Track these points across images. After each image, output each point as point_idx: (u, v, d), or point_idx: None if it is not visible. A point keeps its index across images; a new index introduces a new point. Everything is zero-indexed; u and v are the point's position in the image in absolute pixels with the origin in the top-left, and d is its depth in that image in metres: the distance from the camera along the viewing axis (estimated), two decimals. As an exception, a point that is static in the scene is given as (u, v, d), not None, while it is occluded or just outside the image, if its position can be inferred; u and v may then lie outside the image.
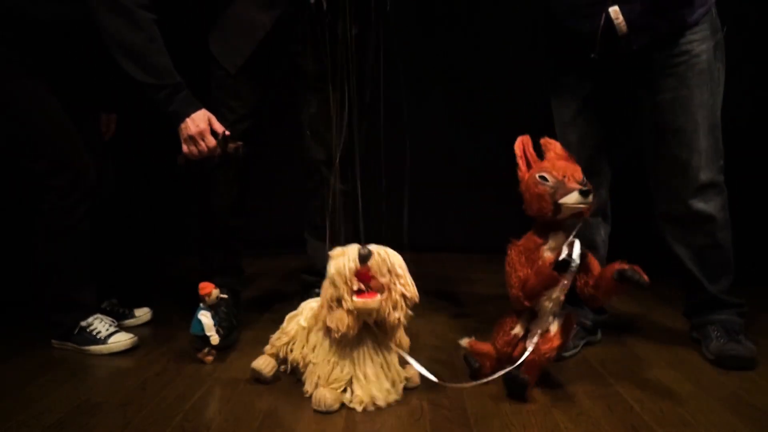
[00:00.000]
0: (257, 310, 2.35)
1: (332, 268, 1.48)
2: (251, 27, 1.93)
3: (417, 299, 1.53)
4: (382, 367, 1.53)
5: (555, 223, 1.57)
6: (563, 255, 1.50)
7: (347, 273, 1.46)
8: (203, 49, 1.99)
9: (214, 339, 1.79)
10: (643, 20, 1.71)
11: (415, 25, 3.13)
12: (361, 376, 1.51)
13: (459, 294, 2.59)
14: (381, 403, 1.50)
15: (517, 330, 1.60)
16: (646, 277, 1.45)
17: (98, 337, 1.91)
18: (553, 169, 1.55)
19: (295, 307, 1.73)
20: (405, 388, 1.59)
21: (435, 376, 1.58)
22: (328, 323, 1.49)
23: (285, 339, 1.66)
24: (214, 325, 1.80)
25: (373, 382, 1.51)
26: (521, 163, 1.64)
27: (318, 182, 2.13)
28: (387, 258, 1.49)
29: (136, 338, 1.96)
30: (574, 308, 1.71)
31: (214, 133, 1.87)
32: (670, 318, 2.18)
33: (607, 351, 1.89)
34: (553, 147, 1.66)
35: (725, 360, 1.75)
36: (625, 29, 1.71)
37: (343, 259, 1.47)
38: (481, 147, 3.21)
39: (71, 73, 1.95)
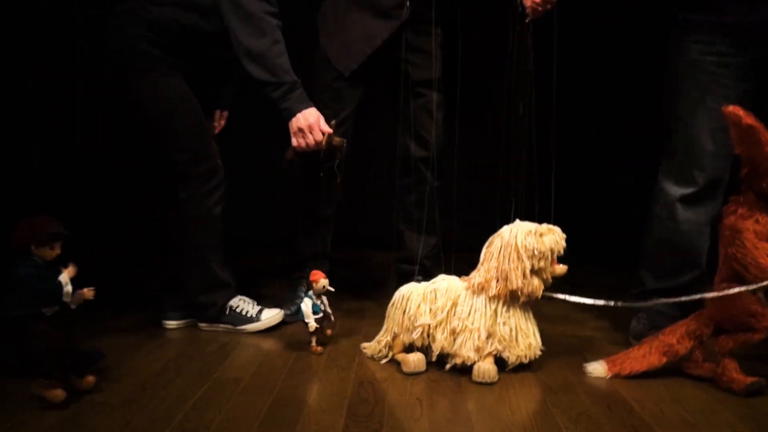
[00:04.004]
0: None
1: (547, 243, 1.66)
2: (370, 35, 2.14)
3: None
4: (531, 322, 1.73)
5: None
6: None
7: (560, 249, 1.67)
8: (303, 56, 2.11)
9: (312, 326, 1.85)
10: None
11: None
12: (522, 329, 1.70)
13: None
14: (530, 353, 1.70)
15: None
16: None
17: (249, 315, 2.07)
18: None
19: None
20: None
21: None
22: (525, 289, 1.65)
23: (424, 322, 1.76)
24: (314, 313, 1.86)
25: (528, 335, 1.70)
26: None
27: (416, 179, 2.33)
28: None
29: (282, 312, 2.12)
30: None
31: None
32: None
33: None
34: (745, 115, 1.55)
35: None
36: None
37: (554, 236, 1.67)
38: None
39: (203, 74, 2.14)
